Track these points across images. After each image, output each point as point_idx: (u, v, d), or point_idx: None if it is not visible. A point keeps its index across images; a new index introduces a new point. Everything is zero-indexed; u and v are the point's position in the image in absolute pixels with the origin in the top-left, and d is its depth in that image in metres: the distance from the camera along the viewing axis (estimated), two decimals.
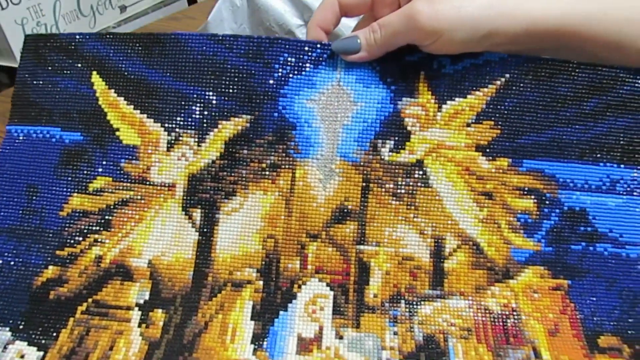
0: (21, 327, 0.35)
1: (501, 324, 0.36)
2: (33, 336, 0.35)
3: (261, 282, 0.37)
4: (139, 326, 0.35)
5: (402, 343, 0.35)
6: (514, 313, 0.37)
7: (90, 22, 1.00)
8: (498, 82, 0.38)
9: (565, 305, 0.37)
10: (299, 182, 0.38)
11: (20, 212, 0.38)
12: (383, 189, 0.38)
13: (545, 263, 0.38)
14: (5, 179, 0.39)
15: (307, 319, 0.36)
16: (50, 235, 0.38)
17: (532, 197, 0.38)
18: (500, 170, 0.38)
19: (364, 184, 0.38)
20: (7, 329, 0.35)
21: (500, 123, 0.38)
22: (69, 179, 0.39)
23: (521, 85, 0.37)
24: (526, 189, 0.38)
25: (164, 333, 0.35)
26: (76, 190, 0.39)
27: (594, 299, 0.37)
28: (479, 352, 0.35)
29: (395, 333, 0.36)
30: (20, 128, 0.40)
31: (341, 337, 0.36)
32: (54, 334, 0.35)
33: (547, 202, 0.38)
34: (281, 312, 0.36)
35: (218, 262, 0.38)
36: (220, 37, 0.38)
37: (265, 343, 0.35)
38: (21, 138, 0.39)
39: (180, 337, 0.35)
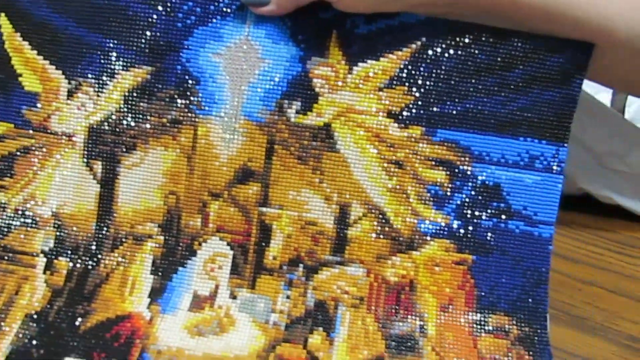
0: None
1: (395, 295, 0.36)
2: None
3: (162, 237, 0.37)
4: (44, 273, 0.36)
5: (293, 307, 0.36)
6: (410, 285, 0.36)
7: None
8: (414, 46, 0.34)
9: (465, 281, 0.36)
10: (201, 139, 0.36)
11: None
12: (288, 152, 0.36)
13: (452, 237, 0.36)
14: None
15: (204, 277, 0.37)
16: None
17: (445, 168, 0.36)
18: (413, 139, 0.35)
19: (268, 145, 0.36)
20: None
21: (414, 89, 0.34)
22: None
23: (439, 50, 0.33)
24: (439, 159, 0.36)
25: (67, 281, 0.36)
26: None
27: (497, 276, 0.36)
28: (365, 322, 0.35)
29: (288, 297, 0.36)
30: None
31: (235, 297, 0.36)
32: None
33: (459, 175, 0.36)
34: (180, 269, 0.37)
35: (120, 215, 0.37)
36: None
37: (161, 297, 0.36)
38: None
39: (81, 286, 0.36)
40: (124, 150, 0.37)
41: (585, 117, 0.44)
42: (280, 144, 0.36)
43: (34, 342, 0.34)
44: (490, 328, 0.35)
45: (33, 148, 0.37)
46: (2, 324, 0.34)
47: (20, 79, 0.37)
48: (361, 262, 0.37)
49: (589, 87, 0.42)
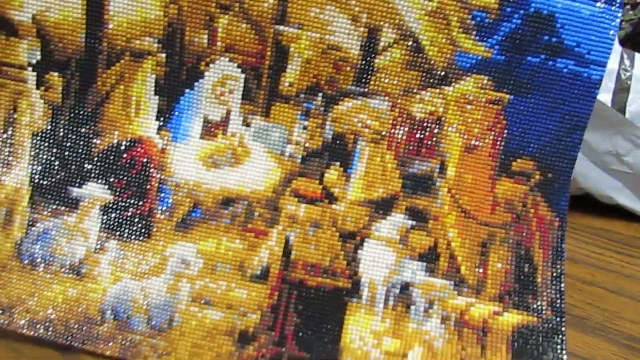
0: None
1: (418, 132, 0.32)
2: None
3: (164, 55, 0.32)
4: (37, 88, 0.32)
5: (309, 139, 0.32)
6: (437, 122, 0.32)
7: None
8: None
9: (496, 122, 0.32)
10: None
11: None
12: None
13: (491, 73, 0.31)
14: None
15: (214, 101, 0.32)
16: None
17: None
18: None
19: None
20: None
21: None
22: None
23: None
24: None
25: (64, 98, 0.32)
26: None
27: (532, 119, 0.32)
28: (384, 159, 0.32)
29: (304, 127, 0.32)
30: None
31: (248, 125, 0.32)
32: None
33: (511, 0, 0.28)
34: (187, 90, 0.32)
35: (113, 27, 0.31)
36: None
37: (170, 121, 0.32)
38: None
39: (82, 104, 0.32)
40: None
41: None
42: None
43: (50, 162, 0.32)
44: (512, 172, 0.33)
45: None
46: (12, 142, 0.32)
47: None
48: (386, 95, 0.32)
49: None
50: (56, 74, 0.32)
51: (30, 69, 0.32)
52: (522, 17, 0.30)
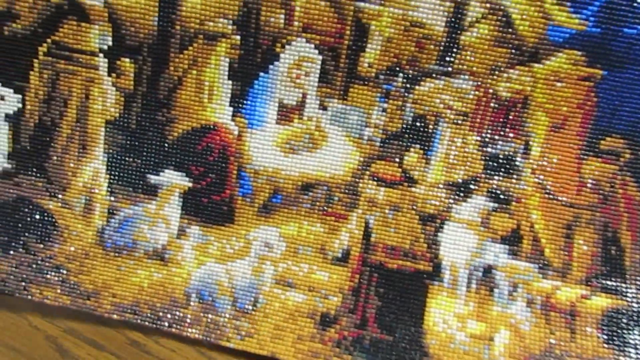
0: None
1: (504, 112, 0.31)
2: (3, 76, 0.31)
3: (238, 37, 0.30)
4: (109, 75, 0.31)
5: (389, 121, 0.31)
6: (524, 102, 0.30)
7: None
8: None
9: (587, 99, 0.30)
10: None
11: None
12: None
13: (585, 47, 0.29)
14: None
15: (289, 84, 0.31)
16: None
17: None
18: None
19: None
20: None
21: None
22: None
23: None
24: None
25: (136, 85, 0.31)
26: None
27: (625, 95, 0.30)
28: (466, 140, 0.31)
29: (383, 110, 0.31)
30: None
31: (325, 108, 0.31)
32: (23, 75, 0.31)
33: None
34: (261, 74, 0.31)
35: (186, 8, 0.29)
36: None
37: (244, 107, 0.31)
38: None
39: (154, 90, 0.31)
40: None
41: None
42: None
43: (126, 149, 0.31)
44: (600, 151, 0.31)
45: None
46: (86, 130, 0.31)
47: None
48: (471, 74, 0.30)
49: None
50: (128, 59, 0.31)
51: (101, 55, 0.31)
52: None
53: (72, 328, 0.33)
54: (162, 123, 0.31)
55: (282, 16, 0.29)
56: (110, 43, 0.30)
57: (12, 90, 0.31)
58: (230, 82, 0.31)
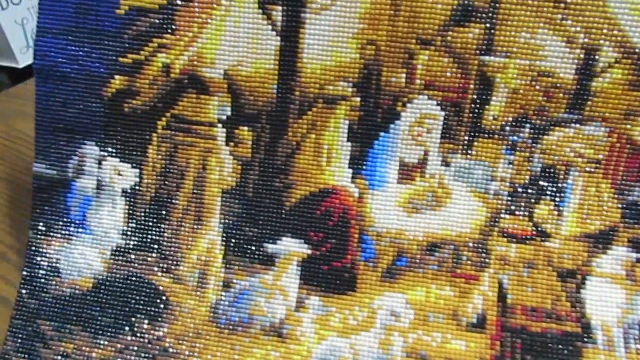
0: (106, 140, 0.31)
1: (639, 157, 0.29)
2: (121, 152, 0.31)
3: (358, 99, 0.29)
4: (227, 144, 0.30)
5: (516, 174, 0.30)
6: None
7: None
8: None
9: None
10: None
11: (73, 10, 0.29)
12: None
13: None
14: None
15: (411, 142, 0.30)
16: (110, 38, 0.29)
17: None
18: None
19: None
20: (93, 143, 0.31)
21: None
22: None
23: None
24: None
25: (254, 152, 0.30)
26: None
27: None
28: (600, 189, 0.29)
29: (510, 162, 0.30)
30: None
31: (448, 164, 0.30)
32: (142, 150, 0.31)
33: None
34: (381, 134, 0.30)
35: (306, 74, 0.29)
36: None
37: (364, 168, 0.30)
38: None
39: (272, 157, 0.30)
40: None
41: None
42: None
43: (242, 218, 0.30)
44: None
45: None
46: (202, 201, 0.30)
47: None
48: (603, 120, 0.29)
49: None
50: (246, 128, 0.30)
51: (220, 125, 0.30)
52: None
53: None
54: (279, 189, 0.31)
55: (404, 75, 0.29)
56: (229, 113, 0.30)
57: (129, 165, 0.31)
58: (349, 143, 0.30)
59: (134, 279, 0.31)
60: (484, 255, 0.30)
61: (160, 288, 0.31)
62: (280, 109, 0.30)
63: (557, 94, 0.28)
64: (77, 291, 0.31)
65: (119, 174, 0.31)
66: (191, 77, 0.30)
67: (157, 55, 0.29)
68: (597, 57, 0.27)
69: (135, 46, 0.29)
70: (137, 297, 0.31)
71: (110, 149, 0.31)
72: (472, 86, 0.29)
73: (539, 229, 0.29)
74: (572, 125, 0.29)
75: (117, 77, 0.30)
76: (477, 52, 0.28)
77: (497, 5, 0.27)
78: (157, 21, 0.29)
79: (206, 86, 0.30)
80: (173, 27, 0.29)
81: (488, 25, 0.27)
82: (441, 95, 0.29)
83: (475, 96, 0.29)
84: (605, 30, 0.27)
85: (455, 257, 0.30)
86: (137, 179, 0.31)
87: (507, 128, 0.29)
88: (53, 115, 0.31)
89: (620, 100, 0.28)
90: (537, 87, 0.28)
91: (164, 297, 0.31)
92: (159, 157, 0.31)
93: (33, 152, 0.31)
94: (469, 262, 0.30)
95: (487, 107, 0.29)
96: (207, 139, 0.31)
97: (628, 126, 0.28)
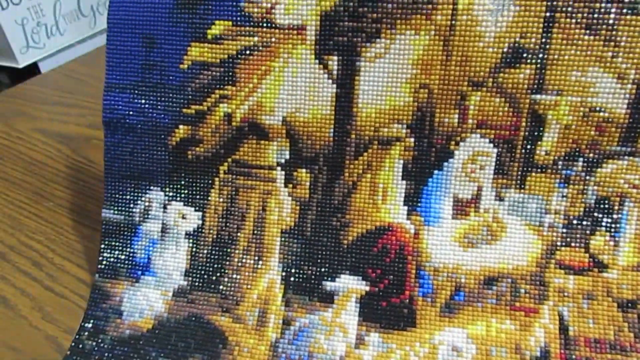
0: (171, 186, 0.33)
1: None
2: (185, 196, 0.33)
3: (412, 139, 0.30)
4: (286, 186, 0.32)
5: (570, 206, 0.30)
6: None
7: (91, 23, 0.93)
8: None
9: None
10: (462, 15, 0.27)
11: (140, 66, 0.31)
12: (573, 20, 0.27)
13: None
14: (120, 29, 0.31)
15: (464, 179, 0.31)
16: (174, 91, 0.31)
17: None
18: None
19: (547, 14, 0.27)
20: (159, 188, 0.33)
21: None
22: (186, 25, 0.30)
23: None
24: None
25: (312, 193, 0.32)
26: (194, 39, 0.30)
27: None
28: None
29: (564, 195, 0.30)
30: None
31: (502, 199, 0.31)
32: (204, 194, 0.32)
33: None
34: (435, 172, 0.31)
35: (361, 118, 0.30)
36: None
37: (419, 205, 0.31)
38: None
39: (329, 197, 0.32)
40: (365, 38, 0.28)
41: None
42: (562, 12, 0.26)
43: (301, 257, 0.31)
44: None
45: (256, 47, 0.29)
46: (262, 242, 0.32)
47: None
48: None
49: None
50: (304, 170, 0.32)
51: (279, 168, 0.32)
52: None
53: (72, 328, 0.32)
54: (336, 228, 0.32)
55: (456, 116, 0.30)
56: (287, 157, 0.32)
57: (193, 209, 0.33)
58: (404, 182, 0.31)
59: (193, 319, 0.33)
60: (542, 287, 0.30)
61: (220, 328, 0.32)
62: (337, 151, 0.31)
63: (610, 128, 0.29)
64: (136, 332, 0.32)
65: (183, 217, 0.33)
66: (251, 125, 0.31)
67: (219, 105, 0.31)
68: None
69: (199, 97, 0.31)
70: (196, 337, 0.32)
71: (174, 194, 0.33)
72: (524, 123, 0.30)
73: (596, 259, 0.30)
74: (626, 157, 0.29)
75: (181, 126, 0.32)
76: (529, 91, 0.29)
77: (548, 46, 0.28)
78: (218, 74, 0.30)
79: (266, 132, 0.31)
80: (234, 79, 0.30)
81: (539, 65, 0.28)
82: (493, 133, 0.30)
83: (527, 133, 0.30)
84: None
85: (514, 290, 0.30)
86: (200, 222, 0.33)
87: (560, 162, 0.30)
88: (121, 164, 0.33)
89: None
90: (589, 122, 0.29)
91: (223, 337, 0.32)
92: (221, 200, 0.32)
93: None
94: (527, 295, 0.30)
95: (539, 143, 0.30)
96: (266, 181, 0.32)
97: None
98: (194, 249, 0.33)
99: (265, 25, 0.29)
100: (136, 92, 0.32)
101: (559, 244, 0.30)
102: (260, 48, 0.29)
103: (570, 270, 0.30)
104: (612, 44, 0.27)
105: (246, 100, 0.31)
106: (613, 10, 0.27)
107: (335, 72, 0.29)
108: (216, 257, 0.33)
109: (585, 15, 0.27)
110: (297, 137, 0.31)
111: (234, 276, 0.33)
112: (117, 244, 0.34)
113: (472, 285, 0.31)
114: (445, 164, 0.31)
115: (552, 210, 0.30)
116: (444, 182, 0.31)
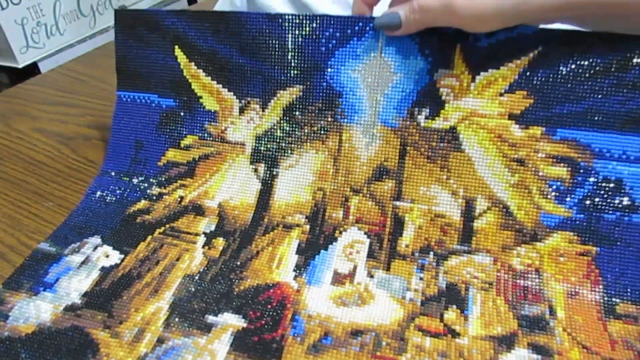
0: (109, 237, 0.41)
1: (522, 281, 0.37)
2: (117, 244, 0.40)
3: (308, 226, 0.41)
4: (203, 247, 0.40)
5: (426, 287, 0.37)
6: (536, 273, 0.37)
7: (90, 22, 0.94)
8: (531, 54, 0.38)
9: (589, 271, 0.37)
10: (345, 143, 0.42)
11: (129, 161, 0.46)
12: (419, 152, 0.41)
13: (575, 229, 0.38)
14: (120, 134, 0.47)
15: (344, 258, 0.39)
16: (149, 179, 0.44)
17: (566, 165, 0.38)
18: (533, 138, 0.39)
19: (401, 147, 0.41)
20: (99, 237, 0.41)
21: (533, 93, 0.38)
22: (166, 136, 0.46)
23: (555, 56, 0.37)
24: (559, 157, 0.38)
25: (221, 255, 0.40)
26: (171, 146, 0.45)
27: (621, 267, 0.36)
28: (496, 304, 0.36)
29: (421, 278, 0.37)
30: (127, 94, 0.47)
31: (372, 276, 0.38)
32: (134, 245, 0.40)
33: (581, 171, 0.38)
34: (322, 251, 0.40)
35: (274, 208, 0.42)
36: (274, 15, 0.42)
37: (305, 272, 0.38)
38: (129, 102, 0.47)
39: (234, 259, 0.39)
40: (283, 154, 0.43)
41: None
42: (412, 146, 0.41)
43: (194, 295, 0.36)
44: (619, 314, 0.34)
45: (212, 154, 0.44)
46: (165, 280, 0.37)
47: (201, 100, 0.45)
48: (487, 251, 0.38)
49: None
50: (221, 239, 0.41)
51: (202, 235, 0.41)
52: (593, 184, 0.37)
53: None
54: (232, 280, 0.38)
55: (342, 212, 0.41)
56: (212, 229, 0.41)
57: (118, 252, 0.40)
58: (297, 255, 0.39)
59: (75, 330, 0.34)
60: (402, 342, 0.33)
61: (96, 340, 0.34)
62: (251, 229, 0.41)
63: (450, 230, 0.39)
64: (14, 335, 0.34)
65: (107, 256, 0.39)
66: (195, 205, 0.43)
67: (177, 190, 0.44)
68: (474, 205, 0.40)
69: (164, 184, 0.44)
70: (70, 345, 0.33)
71: (109, 241, 0.41)
72: (389, 222, 0.40)
73: (450, 328, 0.34)
74: (465, 254, 0.38)
75: (142, 201, 0.43)
76: (391, 198, 0.41)
77: (403, 167, 0.41)
78: (183, 170, 0.44)
79: (203, 210, 0.42)
80: (193, 174, 0.44)
81: (397, 180, 0.41)
82: (367, 227, 0.40)
83: (391, 229, 0.40)
84: (477, 187, 0.40)
85: (376, 342, 0.34)
86: (119, 261, 0.39)
87: (417, 253, 0.39)
88: (77, 222, 0.42)
89: (496, 237, 0.39)
90: (435, 225, 0.40)
91: (95, 348, 0.33)
92: (145, 250, 0.40)
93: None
94: (388, 346, 0.33)
95: (400, 237, 0.40)
96: (188, 242, 0.41)
97: (507, 256, 0.38)
98: (101, 279, 0.37)
99: (219, 140, 0.45)
100: (121, 177, 0.45)
101: (418, 313, 0.35)
102: (215, 155, 0.44)
103: (427, 333, 0.34)
104: (446, 170, 0.41)
105: (197, 188, 0.43)
106: (445, 147, 0.40)
107: (261, 175, 0.43)
108: (118, 286, 0.37)
109: (426, 149, 0.41)
110: (224, 216, 0.42)
111: (127, 301, 0.36)
112: (35, 266, 0.38)
113: (339, 333, 0.34)
114: (330, 246, 0.40)
115: (412, 288, 0.37)
116: (327, 259, 0.39)
